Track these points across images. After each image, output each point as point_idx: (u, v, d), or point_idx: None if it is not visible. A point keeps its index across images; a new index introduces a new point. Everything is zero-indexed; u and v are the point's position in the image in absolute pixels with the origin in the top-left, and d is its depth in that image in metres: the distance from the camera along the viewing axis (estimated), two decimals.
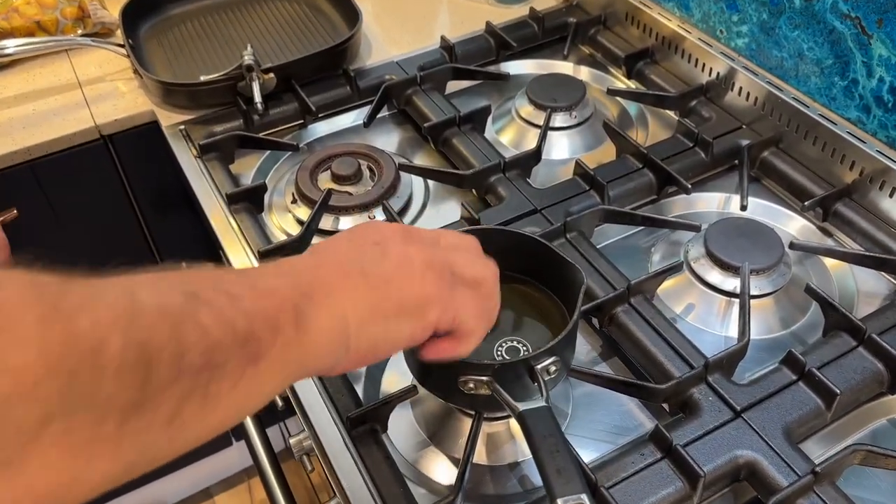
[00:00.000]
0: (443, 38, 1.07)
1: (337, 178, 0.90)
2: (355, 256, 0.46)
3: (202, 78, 0.98)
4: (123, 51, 1.04)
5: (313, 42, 1.12)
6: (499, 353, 0.63)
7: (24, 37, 1.11)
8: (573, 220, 0.78)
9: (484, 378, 0.57)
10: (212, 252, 1.02)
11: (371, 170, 0.92)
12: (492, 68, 1.07)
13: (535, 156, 0.89)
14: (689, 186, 0.82)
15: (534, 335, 0.65)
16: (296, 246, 0.80)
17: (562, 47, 1.12)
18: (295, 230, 0.88)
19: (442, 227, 0.81)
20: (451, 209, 0.90)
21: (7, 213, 1.04)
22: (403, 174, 0.91)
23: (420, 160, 0.97)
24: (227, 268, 0.38)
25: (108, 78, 1.08)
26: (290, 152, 0.97)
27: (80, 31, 1.13)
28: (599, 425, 0.68)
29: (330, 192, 0.86)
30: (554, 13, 1.14)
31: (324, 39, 1.13)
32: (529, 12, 1.13)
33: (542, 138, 0.91)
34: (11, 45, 1.04)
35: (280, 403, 0.80)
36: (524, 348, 0.63)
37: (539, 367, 0.57)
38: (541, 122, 0.97)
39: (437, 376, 0.61)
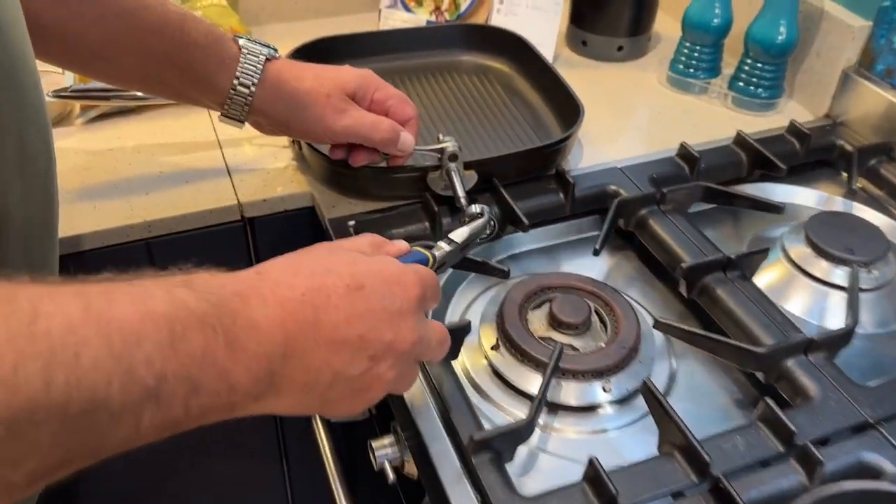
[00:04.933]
0: (682, 146, 0.83)
1: (557, 324, 0.65)
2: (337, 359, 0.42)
3: (382, 163, 0.75)
4: None
5: (510, 133, 0.89)
6: None
7: None
8: None
9: None
10: None
11: (599, 314, 0.68)
12: (740, 188, 0.82)
13: (847, 336, 0.63)
14: None
15: None
16: (519, 435, 0.55)
17: (821, 172, 0.88)
18: (491, 387, 0.63)
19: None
20: (712, 395, 0.64)
21: None
22: (645, 329, 0.66)
23: (649, 303, 0.72)
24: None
25: (256, 142, 0.86)
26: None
27: None
28: None
29: (562, 349, 0.61)
30: (818, 129, 0.89)
31: (524, 133, 0.89)
32: (789, 126, 0.88)
33: (854, 308, 0.65)
34: None
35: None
36: None
37: None
38: (822, 275, 0.72)
39: None
